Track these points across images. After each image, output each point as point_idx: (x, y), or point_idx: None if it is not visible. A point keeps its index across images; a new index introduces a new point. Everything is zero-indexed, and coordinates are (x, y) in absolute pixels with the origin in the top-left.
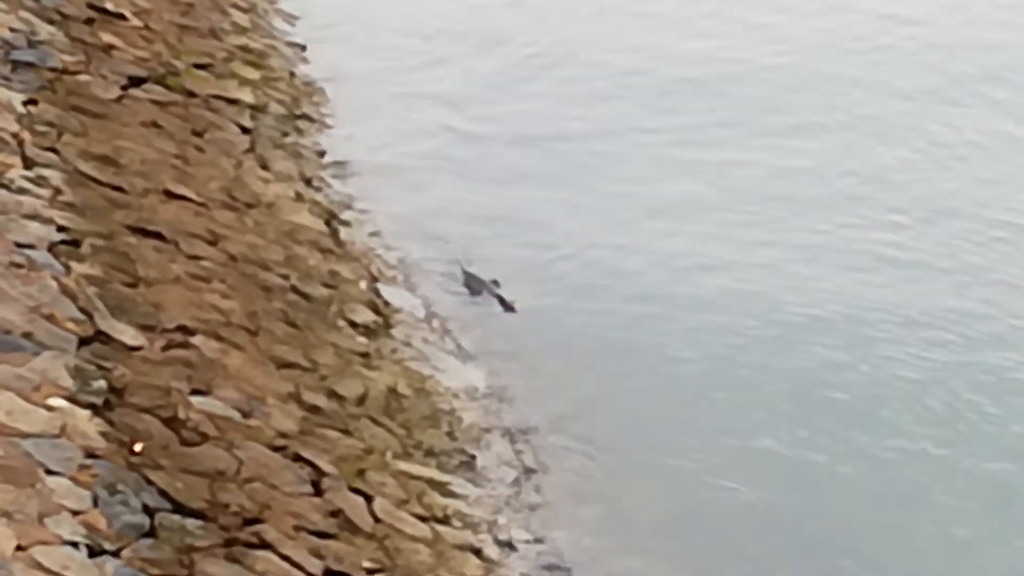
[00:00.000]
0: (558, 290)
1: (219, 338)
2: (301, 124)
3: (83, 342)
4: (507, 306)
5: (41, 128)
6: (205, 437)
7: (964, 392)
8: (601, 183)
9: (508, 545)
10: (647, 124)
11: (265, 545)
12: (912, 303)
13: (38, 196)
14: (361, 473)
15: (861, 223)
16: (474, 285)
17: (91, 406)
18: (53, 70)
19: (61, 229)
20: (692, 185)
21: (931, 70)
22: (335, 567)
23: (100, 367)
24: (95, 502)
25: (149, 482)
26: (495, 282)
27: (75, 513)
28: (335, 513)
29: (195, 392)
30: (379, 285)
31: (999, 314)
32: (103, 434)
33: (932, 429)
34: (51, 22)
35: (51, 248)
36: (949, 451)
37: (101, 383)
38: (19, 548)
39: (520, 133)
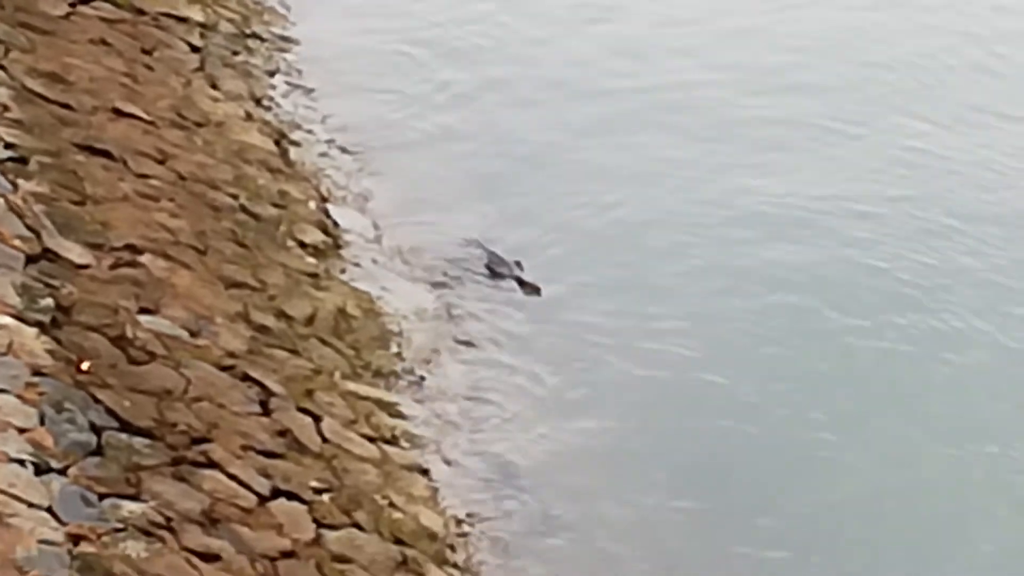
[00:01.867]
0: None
1: (167, 257)
2: (251, 43)
3: (30, 260)
4: (531, 288)
5: None
6: (153, 356)
7: None
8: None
9: (456, 464)
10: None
11: (212, 464)
12: None
13: None
14: (309, 393)
15: None
16: (496, 267)
17: (38, 324)
18: None
19: (8, 146)
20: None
21: None
22: (283, 486)
23: (47, 285)
24: (42, 420)
25: (96, 400)
26: (518, 263)
27: (21, 431)
28: (283, 433)
29: (143, 311)
30: (329, 205)
31: None
32: (50, 352)
33: None
34: None
35: None
36: None
37: (48, 301)
38: None
39: (466, 45)
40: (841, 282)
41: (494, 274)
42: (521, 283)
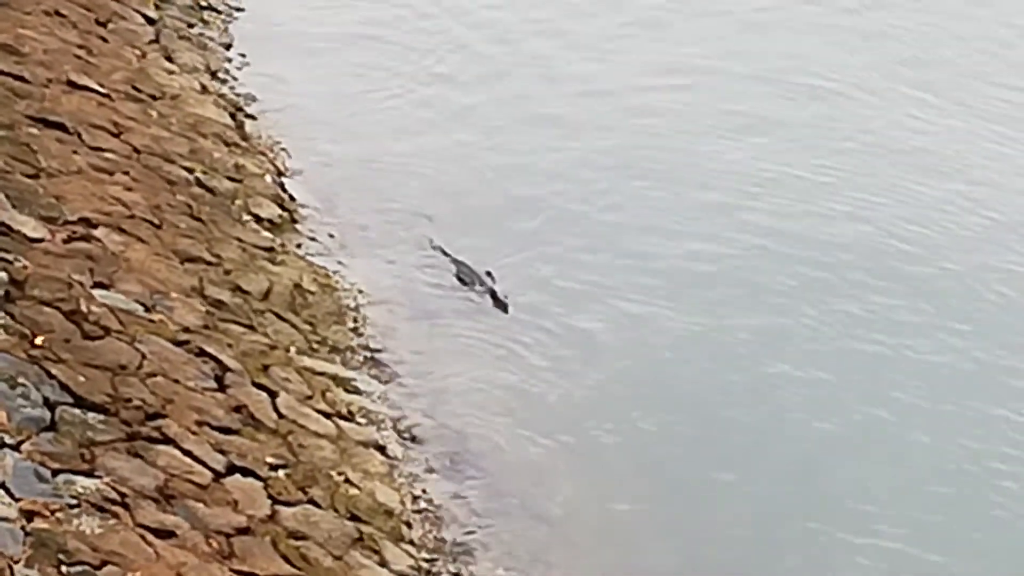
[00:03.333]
0: None
1: (122, 231)
2: (207, 15)
3: None
4: (500, 303)
5: None
6: (107, 331)
7: None
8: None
9: (412, 440)
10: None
11: (167, 440)
12: None
13: None
14: (265, 368)
15: None
16: (466, 277)
17: None
18: None
19: None
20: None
21: None
22: (238, 462)
23: (1, 259)
24: None
25: (50, 375)
26: (489, 274)
27: None
28: (238, 408)
29: (97, 285)
30: (285, 179)
31: None
32: (3, 327)
33: None
34: None
35: None
36: None
37: (1, 275)
38: None
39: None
40: (821, 301)
41: (463, 283)
42: (494, 296)
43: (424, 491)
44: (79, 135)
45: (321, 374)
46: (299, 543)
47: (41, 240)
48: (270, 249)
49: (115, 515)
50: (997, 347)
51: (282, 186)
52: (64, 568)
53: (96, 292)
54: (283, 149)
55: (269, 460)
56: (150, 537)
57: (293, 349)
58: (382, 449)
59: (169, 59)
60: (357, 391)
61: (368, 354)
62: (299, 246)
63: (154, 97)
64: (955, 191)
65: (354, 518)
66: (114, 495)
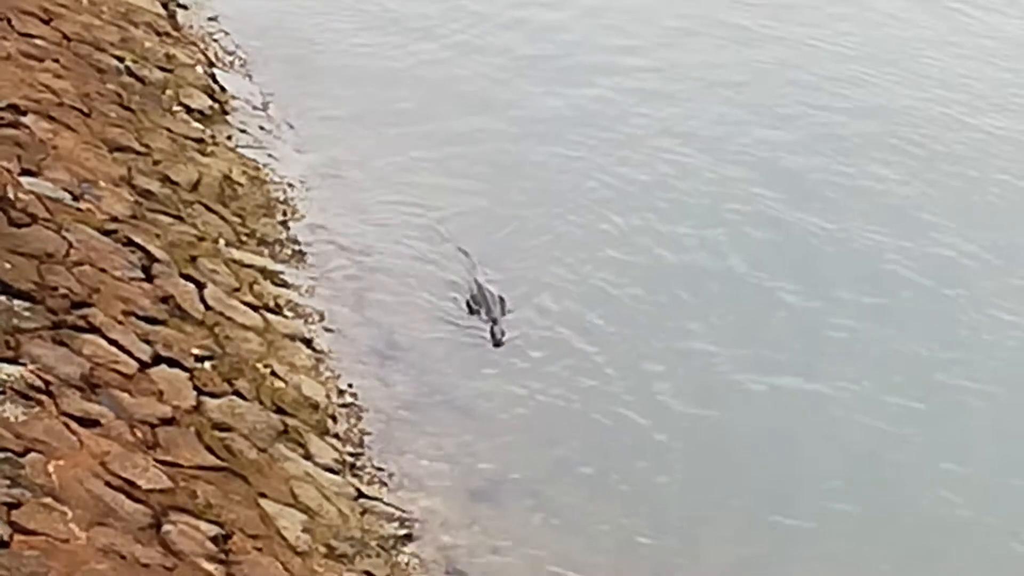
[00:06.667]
0: None
1: (51, 119)
2: None
3: None
4: (496, 340)
5: None
6: (35, 219)
7: None
8: None
9: (339, 335)
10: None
11: (93, 329)
12: None
13: None
14: (193, 260)
15: None
16: (475, 304)
17: None
18: None
19: None
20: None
21: None
22: (164, 353)
23: None
24: None
25: None
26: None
27: None
28: (165, 299)
29: (25, 172)
30: (216, 71)
31: None
32: None
33: None
34: None
35: None
36: None
37: None
38: None
39: None
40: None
41: (471, 311)
42: (492, 332)
43: (350, 385)
44: (8, 21)
45: (249, 266)
46: (224, 435)
47: None
48: (200, 140)
49: (39, 403)
50: None
51: (213, 77)
52: None
53: (24, 179)
54: (215, 40)
55: (195, 351)
56: (74, 426)
57: (221, 241)
58: (309, 343)
59: None
60: (285, 284)
61: (296, 248)
62: (229, 138)
63: None
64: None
65: (280, 411)
66: (39, 383)
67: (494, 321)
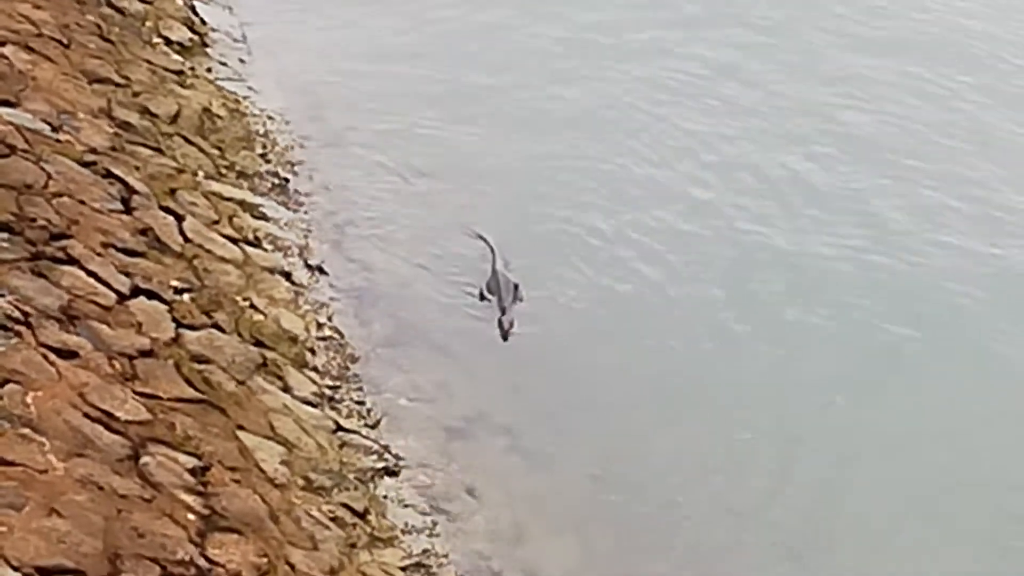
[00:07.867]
0: None
1: (30, 49)
2: None
3: None
4: (503, 331)
5: None
6: (13, 149)
7: None
8: None
9: (318, 269)
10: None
11: (72, 260)
12: None
13: None
14: (172, 192)
15: None
16: (488, 292)
17: None
18: None
19: None
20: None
21: None
22: (143, 285)
23: None
24: None
25: None
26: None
27: None
28: (144, 231)
29: (3, 103)
30: (196, 2)
31: None
32: None
33: None
34: None
35: None
36: None
37: None
38: None
39: None
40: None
41: (482, 298)
42: (499, 323)
43: (329, 319)
44: None
45: (228, 199)
46: (202, 367)
47: None
48: (180, 72)
49: (18, 334)
50: None
51: (193, 9)
52: None
53: (2, 110)
54: None
55: (174, 283)
56: (52, 357)
57: (201, 173)
58: (288, 276)
59: None
60: (264, 217)
61: (276, 181)
62: (209, 70)
63: None
64: None
65: (258, 344)
66: (17, 314)
67: (503, 311)
